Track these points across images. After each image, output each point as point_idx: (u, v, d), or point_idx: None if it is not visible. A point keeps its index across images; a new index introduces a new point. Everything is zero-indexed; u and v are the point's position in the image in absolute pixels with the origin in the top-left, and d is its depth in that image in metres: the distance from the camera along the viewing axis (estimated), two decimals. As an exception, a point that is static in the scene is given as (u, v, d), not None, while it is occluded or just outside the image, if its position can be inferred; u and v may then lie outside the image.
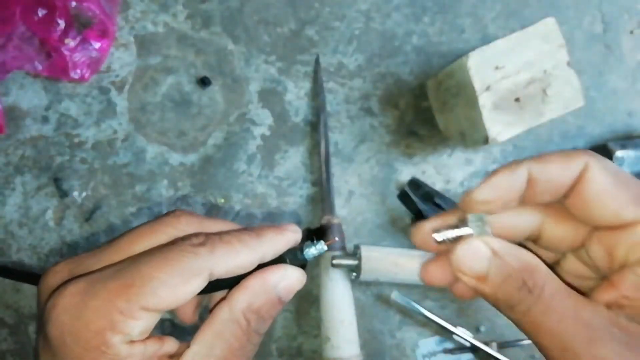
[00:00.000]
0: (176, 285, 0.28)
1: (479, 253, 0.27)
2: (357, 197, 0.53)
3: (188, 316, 0.36)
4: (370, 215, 0.53)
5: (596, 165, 0.26)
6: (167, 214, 0.33)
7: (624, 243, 0.26)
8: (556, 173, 0.26)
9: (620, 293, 0.25)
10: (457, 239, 0.29)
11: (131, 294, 0.27)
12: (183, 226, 0.32)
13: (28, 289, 0.51)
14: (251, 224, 0.53)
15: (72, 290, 0.28)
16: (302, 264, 0.33)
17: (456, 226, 0.29)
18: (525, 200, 0.28)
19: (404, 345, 0.53)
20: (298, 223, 0.49)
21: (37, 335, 0.29)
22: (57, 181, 0.52)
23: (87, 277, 0.29)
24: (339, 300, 0.48)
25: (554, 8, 0.55)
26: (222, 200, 0.52)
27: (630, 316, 0.25)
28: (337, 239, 0.30)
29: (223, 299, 0.31)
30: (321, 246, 0.32)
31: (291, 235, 0.32)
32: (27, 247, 0.52)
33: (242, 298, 0.31)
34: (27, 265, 0.51)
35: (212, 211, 0.52)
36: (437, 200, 0.51)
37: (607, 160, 0.27)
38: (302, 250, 0.32)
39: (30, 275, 0.50)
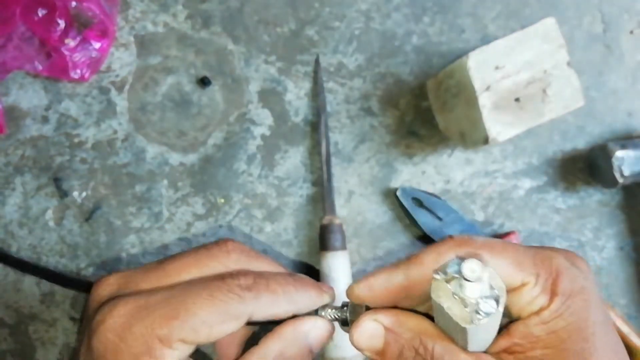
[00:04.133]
0: (216, 324, 0.30)
1: (372, 332, 0.30)
2: (357, 197, 0.53)
3: (231, 353, 0.37)
4: (370, 215, 0.53)
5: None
6: (218, 243, 0.35)
7: (516, 303, 0.28)
8: (429, 274, 0.28)
9: (512, 341, 0.28)
10: (340, 318, 0.33)
11: (173, 326, 0.29)
12: (232, 264, 0.33)
13: (28, 288, 0.51)
14: (251, 223, 0.53)
15: (121, 311, 0.30)
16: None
17: (343, 306, 0.33)
18: (410, 295, 0.30)
19: (404, 345, 0.53)
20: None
21: (80, 341, 0.31)
22: (57, 181, 0.52)
23: (136, 299, 0.30)
24: (340, 300, 0.48)
25: (554, 8, 0.55)
26: (222, 200, 0.53)
27: (519, 359, 0.28)
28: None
29: (255, 344, 0.32)
30: (334, 314, 0.33)
31: (327, 298, 0.34)
32: (27, 247, 0.52)
33: (274, 346, 0.32)
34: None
35: (212, 211, 0.52)
36: (427, 205, 0.51)
37: (474, 240, 0.29)
38: (317, 311, 0.34)
39: (61, 278, 0.50)
